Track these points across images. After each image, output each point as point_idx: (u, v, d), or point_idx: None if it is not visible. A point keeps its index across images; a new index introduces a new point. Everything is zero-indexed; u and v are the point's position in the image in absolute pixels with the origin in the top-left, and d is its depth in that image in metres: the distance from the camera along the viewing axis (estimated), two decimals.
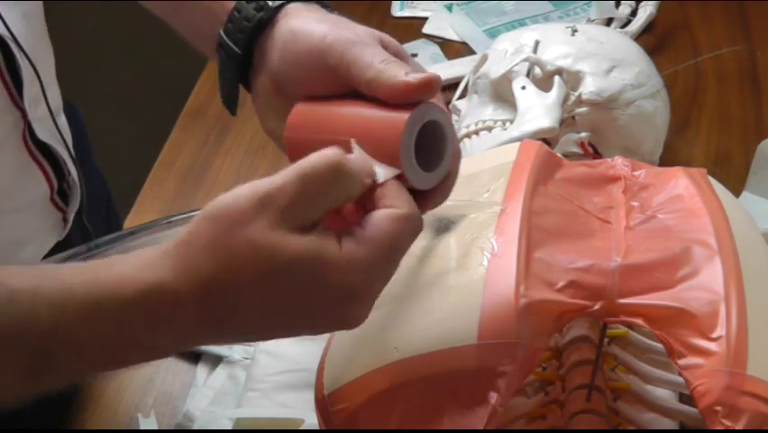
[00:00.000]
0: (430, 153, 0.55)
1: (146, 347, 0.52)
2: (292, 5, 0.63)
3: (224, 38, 0.65)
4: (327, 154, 0.50)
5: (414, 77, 0.54)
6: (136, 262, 0.50)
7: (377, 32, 0.59)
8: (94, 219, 0.90)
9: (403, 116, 0.54)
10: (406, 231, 0.52)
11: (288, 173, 0.50)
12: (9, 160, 0.77)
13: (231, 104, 0.67)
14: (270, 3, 0.63)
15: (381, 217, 0.51)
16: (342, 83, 0.57)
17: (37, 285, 0.49)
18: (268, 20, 0.63)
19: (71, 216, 0.86)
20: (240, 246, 0.49)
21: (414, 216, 0.52)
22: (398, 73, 0.54)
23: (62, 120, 0.86)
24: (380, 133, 0.54)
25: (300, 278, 0.50)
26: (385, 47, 0.58)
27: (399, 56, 0.58)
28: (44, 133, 0.80)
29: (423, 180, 0.55)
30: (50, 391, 0.52)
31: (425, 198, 0.55)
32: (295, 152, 0.56)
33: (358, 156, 0.52)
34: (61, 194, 0.84)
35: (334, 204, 0.51)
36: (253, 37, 0.64)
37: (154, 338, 0.51)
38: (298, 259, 0.49)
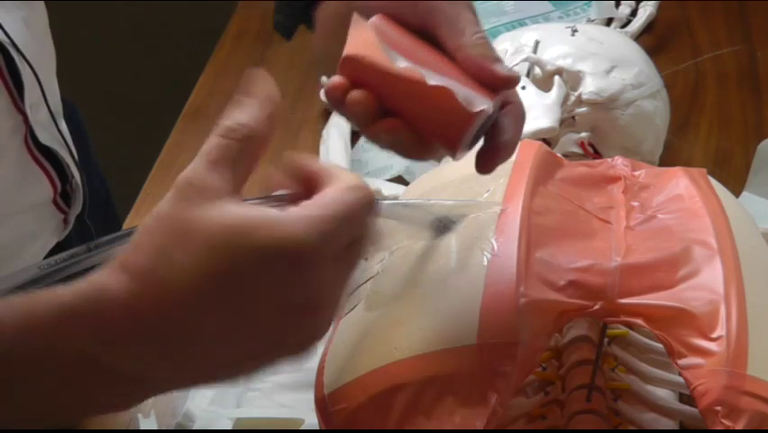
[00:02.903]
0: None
1: (100, 369, 0.46)
2: None
3: None
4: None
5: (510, 71, 0.54)
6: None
7: None
8: (94, 219, 0.90)
9: (487, 101, 0.55)
10: (357, 198, 0.48)
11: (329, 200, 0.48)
12: (12, 163, 0.77)
13: (288, 30, 0.66)
14: None
15: (328, 191, 0.48)
16: (421, 24, 0.56)
17: None
18: None
19: (72, 218, 0.86)
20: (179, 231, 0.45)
21: (362, 185, 0.49)
22: (488, 54, 0.55)
23: (63, 124, 0.86)
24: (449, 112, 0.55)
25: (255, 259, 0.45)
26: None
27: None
28: (46, 136, 0.80)
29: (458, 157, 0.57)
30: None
31: None
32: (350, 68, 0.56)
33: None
34: (64, 196, 0.84)
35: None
36: None
37: (104, 355, 0.45)
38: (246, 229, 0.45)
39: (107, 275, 0.46)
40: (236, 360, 0.48)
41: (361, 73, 0.56)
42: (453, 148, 0.56)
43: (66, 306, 0.45)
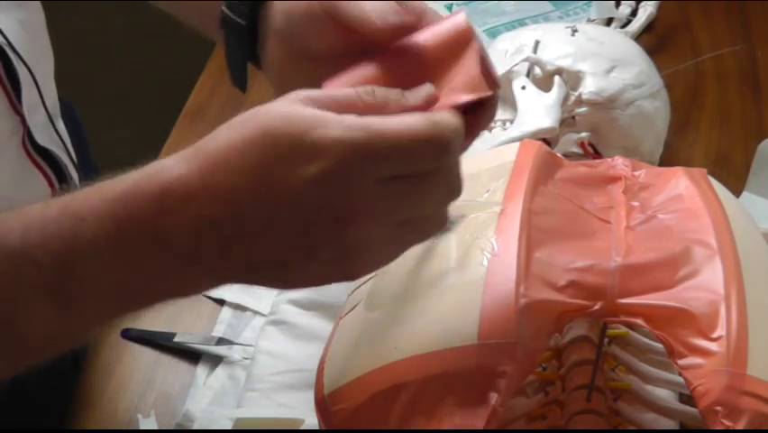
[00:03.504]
0: None
1: (160, 241, 0.49)
2: None
3: (227, 12, 0.63)
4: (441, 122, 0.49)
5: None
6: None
7: None
8: None
9: (460, 19, 0.54)
10: (429, 133, 0.49)
11: (386, 126, 0.48)
12: (9, 165, 0.77)
13: (241, 82, 0.66)
14: None
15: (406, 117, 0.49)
16: (349, 31, 0.56)
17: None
18: None
19: None
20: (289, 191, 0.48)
21: (447, 122, 0.49)
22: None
23: (62, 125, 0.86)
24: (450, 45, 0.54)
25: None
26: None
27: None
28: (44, 138, 0.80)
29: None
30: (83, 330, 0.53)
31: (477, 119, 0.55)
32: None
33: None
34: None
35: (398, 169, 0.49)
36: (256, 7, 0.62)
37: (162, 226, 0.49)
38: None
39: (165, 160, 0.50)
40: (274, 257, 0.50)
41: None
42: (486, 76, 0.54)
43: (130, 183, 0.49)
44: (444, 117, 0.50)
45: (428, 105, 0.52)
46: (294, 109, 0.49)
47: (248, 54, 0.65)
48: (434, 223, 0.53)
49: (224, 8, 0.64)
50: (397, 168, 0.49)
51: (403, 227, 0.51)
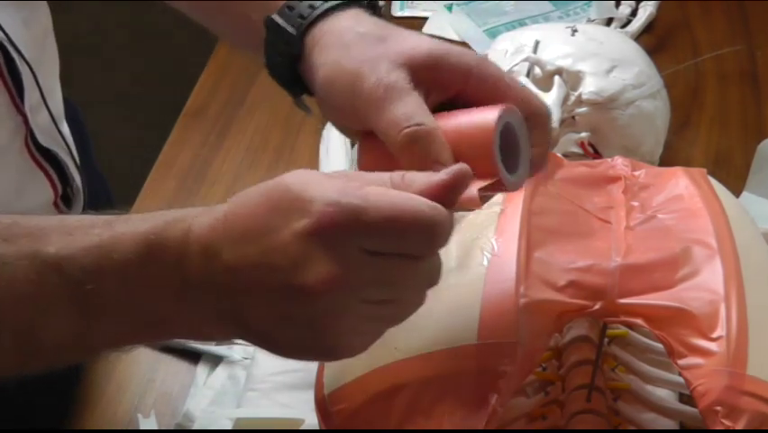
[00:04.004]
0: (507, 157, 0.56)
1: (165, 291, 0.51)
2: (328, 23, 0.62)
3: (271, 67, 0.65)
4: (428, 209, 0.49)
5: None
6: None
7: (426, 52, 0.58)
8: None
9: (490, 120, 0.54)
10: (421, 215, 0.49)
11: (383, 199, 0.49)
12: (12, 165, 0.77)
13: (303, 108, 0.68)
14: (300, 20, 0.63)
15: (406, 194, 0.50)
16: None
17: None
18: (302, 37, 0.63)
19: None
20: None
21: (434, 213, 0.49)
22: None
23: (65, 127, 0.86)
24: (470, 141, 0.55)
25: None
26: (439, 68, 0.57)
27: (456, 73, 0.57)
28: (46, 139, 0.79)
29: (511, 184, 0.55)
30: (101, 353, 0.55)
31: None
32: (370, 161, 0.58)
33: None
34: (65, 199, 0.84)
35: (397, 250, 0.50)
36: (294, 65, 0.64)
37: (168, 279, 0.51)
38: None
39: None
40: (262, 313, 0.51)
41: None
42: (493, 170, 0.55)
43: (170, 217, 0.52)
44: (442, 211, 0.50)
45: (456, 180, 0.51)
46: (316, 175, 0.50)
47: (299, 94, 0.66)
48: (411, 307, 0.53)
49: (265, 61, 0.65)
50: (386, 242, 0.49)
51: (381, 307, 0.51)
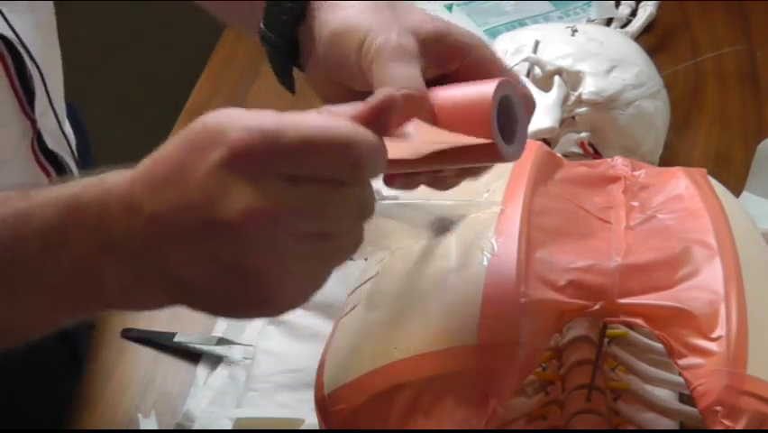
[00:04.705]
0: (504, 131, 0.56)
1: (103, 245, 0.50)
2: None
3: (266, 31, 0.64)
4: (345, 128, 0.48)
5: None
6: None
7: (429, 25, 0.59)
8: None
9: (489, 88, 0.55)
10: (337, 134, 0.47)
11: (300, 122, 0.47)
12: (18, 169, 0.77)
13: (288, 85, 0.67)
14: None
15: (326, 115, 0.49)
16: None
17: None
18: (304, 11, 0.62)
19: None
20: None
21: (361, 136, 0.48)
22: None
23: (68, 127, 0.86)
24: (468, 110, 0.55)
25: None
26: (440, 41, 0.58)
27: (457, 51, 0.58)
28: (52, 141, 0.80)
29: (508, 154, 0.56)
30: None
31: None
32: None
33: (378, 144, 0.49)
34: None
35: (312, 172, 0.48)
36: (295, 28, 0.63)
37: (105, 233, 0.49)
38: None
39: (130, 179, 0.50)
40: (188, 265, 0.49)
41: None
42: (489, 136, 0.55)
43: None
44: (364, 132, 0.48)
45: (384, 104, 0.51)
46: (237, 110, 0.49)
47: (290, 66, 0.65)
48: (350, 241, 0.51)
49: (261, 26, 0.64)
50: (304, 165, 0.47)
51: (317, 243, 0.49)
